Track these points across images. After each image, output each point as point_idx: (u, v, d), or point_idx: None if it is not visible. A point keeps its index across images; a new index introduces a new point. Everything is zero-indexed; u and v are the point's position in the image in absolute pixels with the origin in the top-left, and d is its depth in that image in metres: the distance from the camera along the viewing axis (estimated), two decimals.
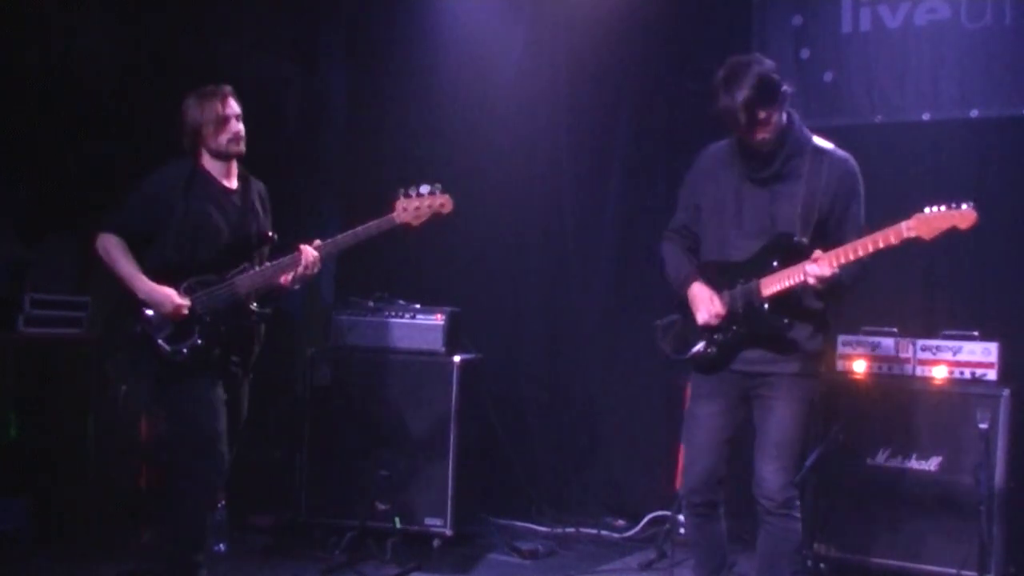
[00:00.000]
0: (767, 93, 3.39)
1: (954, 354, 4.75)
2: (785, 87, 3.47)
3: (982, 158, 5.24)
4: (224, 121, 3.99)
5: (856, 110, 5.47)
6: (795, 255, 3.46)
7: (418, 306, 5.41)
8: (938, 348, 4.79)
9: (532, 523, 5.77)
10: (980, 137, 5.25)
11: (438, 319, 5.33)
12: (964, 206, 3.24)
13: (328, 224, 6.15)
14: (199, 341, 3.90)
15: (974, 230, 4.75)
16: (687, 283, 3.70)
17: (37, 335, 5.11)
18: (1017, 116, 5.14)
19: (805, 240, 3.49)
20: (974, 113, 5.25)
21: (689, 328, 3.71)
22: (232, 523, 5.06)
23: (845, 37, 5.52)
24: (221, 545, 5.00)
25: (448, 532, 5.16)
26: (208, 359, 3.93)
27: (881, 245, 3.34)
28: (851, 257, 3.37)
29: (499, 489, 5.92)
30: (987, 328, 4.81)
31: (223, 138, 4.00)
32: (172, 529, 4.04)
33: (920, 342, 4.84)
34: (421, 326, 5.34)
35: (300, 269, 3.98)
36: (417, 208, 4.05)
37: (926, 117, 5.36)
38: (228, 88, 4.05)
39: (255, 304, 4.04)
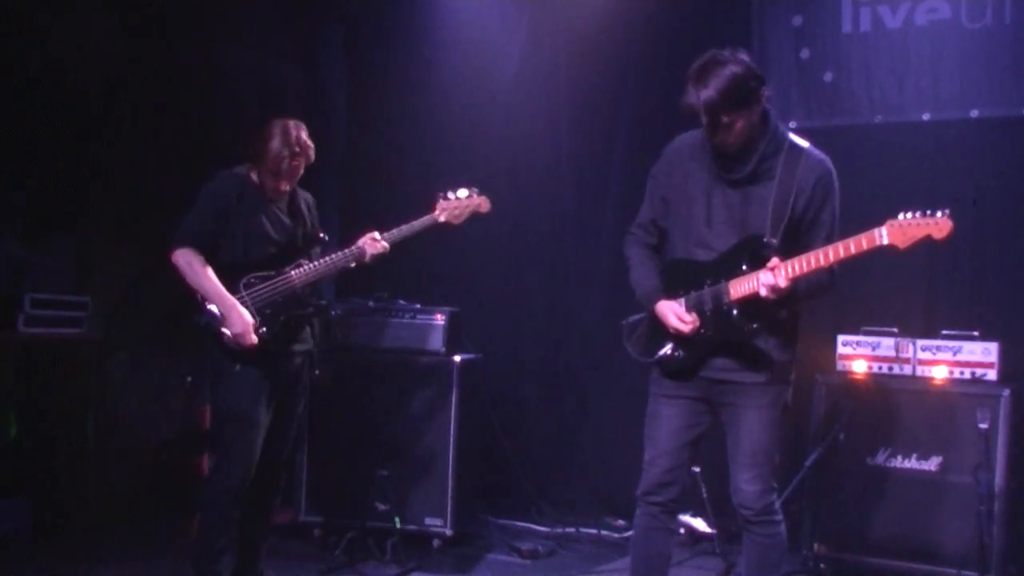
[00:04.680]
0: (734, 97, 3.25)
1: (954, 354, 4.75)
2: (763, 90, 3.32)
3: (982, 158, 5.23)
4: (288, 175, 4.22)
5: (856, 110, 5.47)
6: (764, 258, 3.33)
7: (418, 306, 5.41)
8: (938, 348, 4.79)
9: (532, 523, 5.76)
10: (980, 137, 5.25)
11: (438, 319, 5.33)
12: (939, 214, 3.12)
13: (328, 224, 6.15)
14: (262, 330, 4.09)
15: (974, 230, 4.74)
16: (652, 300, 3.58)
17: (37, 335, 5.11)
18: (1017, 116, 5.13)
19: (775, 242, 3.35)
20: (974, 113, 5.25)
21: (656, 329, 3.61)
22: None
23: (845, 37, 5.52)
24: None
25: (448, 532, 5.16)
26: (268, 349, 4.12)
27: (853, 251, 3.19)
28: (811, 266, 3.25)
29: (499, 489, 5.92)
30: (987, 328, 4.82)
31: (274, 185, 4.22)
32: (200, 515, 4.26)
33: (920, 342, 4.84)
34: (421, 326, 5.34)
35: (368, 259, 4.27)
36: (456, 208, 4.36)
37: (926, 117, 5.36)
38: (312, 148, 4.25)
39: (309, 298, 4.29)
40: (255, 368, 4.12)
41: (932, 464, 4.63)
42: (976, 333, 4.76)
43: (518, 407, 6.21)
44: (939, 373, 4.74)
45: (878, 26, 5.45)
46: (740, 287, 3.39)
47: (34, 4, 5.20)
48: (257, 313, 4.10)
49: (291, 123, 4.21)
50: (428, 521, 5.16)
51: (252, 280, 4.15)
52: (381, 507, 5.04)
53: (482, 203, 4.40)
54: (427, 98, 6.35)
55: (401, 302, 5.46)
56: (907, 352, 4.84)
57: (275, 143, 4.16)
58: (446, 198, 4.36)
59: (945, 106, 5.30)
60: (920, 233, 3.13)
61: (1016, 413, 4.53)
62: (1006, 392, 4.53)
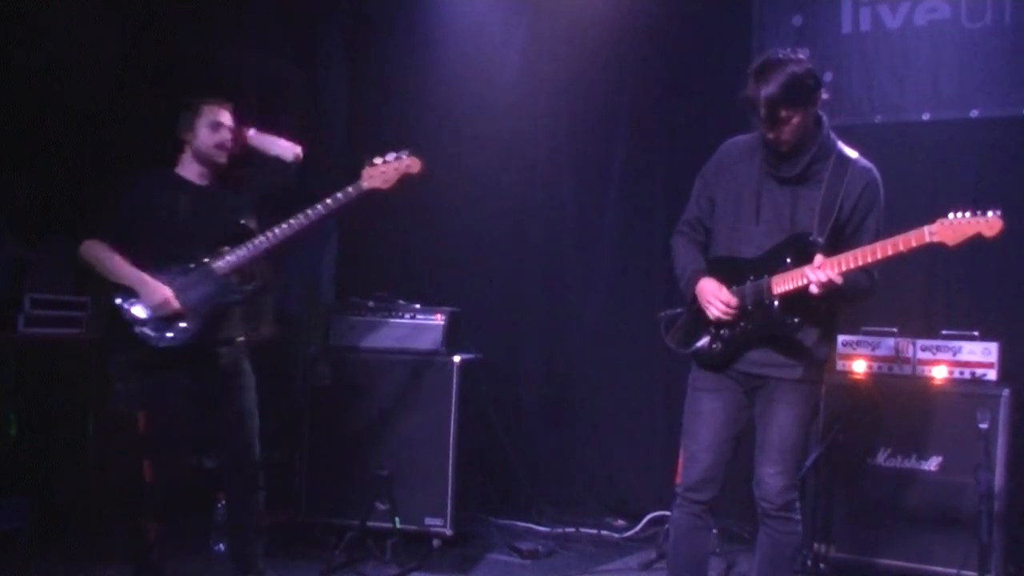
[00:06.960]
0: (793, 94, 3.35)
1: (954, 354, 4.75)
2: (820, 92, 3.43)
3: (982, 158, 5.24)
4: (215, 127, 4.20)
5: (856, 110, 5.47)
6: (810, 255, 3.39)
7: (418, 306, 5.41)
8: (938, 348, 4.79)
9: (532, 523, 5.77)
10: (980, 137, 5.25)
11: (438, 319, 5.33)
12: (991, 213, 3.14)
13: (326, 225, 6.15)
14: (183, 325, 4.04)
15: None
16: (694, 279, 3.63)
17: (37, 335, 5.11)
18: (1017, 116, 5.14)
19: (821, 240, 3.42)
20: (974, 113, 5.25)
21: (695, 322, 3.65)
22: None
23: (845, 37, 5.52)
24: (221, 545, 5.01)
25: (448, 532, 5.16)
26: (194, 342, 4.06)
27: (902, 248, 3.23)
28: (858, 263, 3.30)
29: (499, 489, 5.92)
30: (987, 328, 4.81)
31: (216, 142, 4.21)
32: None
33: (920, 342, 4.84)
34: (421, 326, 5.34)
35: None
36: (384, 172, 4.19)
37: (926, 117, 5.37)
38: (228, 103, 4.25)
39: (237, 285, 4.19)
40: (175, 372, 4.09)
41: (932, 464, 4.63)
42: (976, 333, 4.76)
43: (518, 407, 6.21)
44: (939, 373, 4.74)
45: (878, 26, 5.45)
46: (783, 282, 3.44)
47: (33, 3, 5.20)
48: (182, 306, 4.05)
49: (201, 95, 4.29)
50: (428, 521, 5.16)
51: (175, 273, 4.08)
52: (381, 507, 5.04)
53: (412, 164, 4.22)
54: (427, 98, 6.35)
55: (401, 302, 5.46)
56: (907, 352, 4.85)
57: (183, 116, 4.21)
58: (372, 164, 4.21)
59: (945, 106, 5.31)
60: (970, 231, 3.16)
61: (1016, 413, 4.53)
62: (1006, 392, 4.53)
